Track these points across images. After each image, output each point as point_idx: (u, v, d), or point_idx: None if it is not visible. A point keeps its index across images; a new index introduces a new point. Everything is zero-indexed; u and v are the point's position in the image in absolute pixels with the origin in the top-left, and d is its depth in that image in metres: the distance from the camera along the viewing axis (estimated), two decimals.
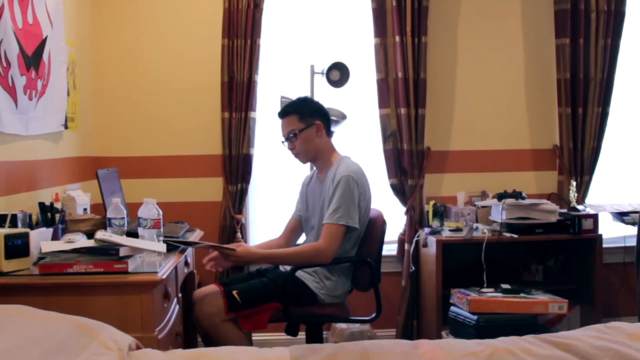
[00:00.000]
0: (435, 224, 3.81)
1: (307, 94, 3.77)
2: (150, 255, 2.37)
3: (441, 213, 3.86)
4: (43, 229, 2.40)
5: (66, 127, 3.26)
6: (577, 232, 3.72)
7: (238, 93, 3.82)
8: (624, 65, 4.13)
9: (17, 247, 2.19)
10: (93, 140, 3.86)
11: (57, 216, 2.57)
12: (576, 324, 3.88)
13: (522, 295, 3.43)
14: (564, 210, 3.85)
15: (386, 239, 3.12)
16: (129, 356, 1.78)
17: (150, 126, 3.94)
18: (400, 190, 3.98)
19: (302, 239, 3.18)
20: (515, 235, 3.65)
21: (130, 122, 3.93)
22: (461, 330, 3.40)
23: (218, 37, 3.83)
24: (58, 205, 2.74)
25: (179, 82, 3.93)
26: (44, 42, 2.90)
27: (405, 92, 3.89)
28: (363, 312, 3.14)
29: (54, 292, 2.11)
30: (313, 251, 2.84)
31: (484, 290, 3.48)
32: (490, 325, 3.27)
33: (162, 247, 2.44)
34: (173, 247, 2.63)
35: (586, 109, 4.04)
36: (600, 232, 3.77)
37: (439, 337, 3.58)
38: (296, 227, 3.16)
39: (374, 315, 3.01)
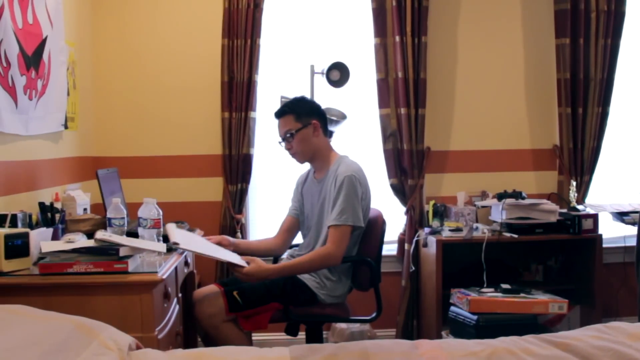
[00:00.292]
0: (435, 224, 3.81)
1: (307, 94, 3.77)
2: (150, 255, 2.38)
3: (441, 213, 3.86)
4: (43, 229, 2.40)
5: (66, 127, 3.26)
6: (577, 232, 3.72)
7: (238, 93, 3.82)
8: (624, 65, 4.13)
9: (17, 247, 2.19)
10: (93, 140, 3.86)
11: (57, 216, 2.57)
12: (576, 324, 3.88)
13: (522, 295, 3.43)
14: (564, 210, 3.85)
15: (386, 238, 3.12)
16: (129, 356, 1.78)
17: (150, 126, 3.94)
18: (400, 190, 3.98)
19: (298, 237, 3.18)
20: (515, 235, 3.65)
21: (130, 122, 3.93)
22: (461, 330, 3.40)
23: (218, 37, 3.83)
24: (58, 205, 2.73)
25: (179, 82, 3.94)
26: (44, 42, 2.90)
27: (405, 92, 3.89)
28: (363, 312, 3.14)
29: (54, 292, 2.11)
30: (324, 256, 2.82)
31: (484, 290, 3.48)
32: (490, 325, 3.27)
33: (162, 247, 2.44)
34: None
35: (586, 109, 4.05)
36: (600, 232, 3.77)
37: (439, 337, 3.58)
38: (292, 225, 3.15)
39: (374, 315, 3.01)
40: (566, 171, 4.07)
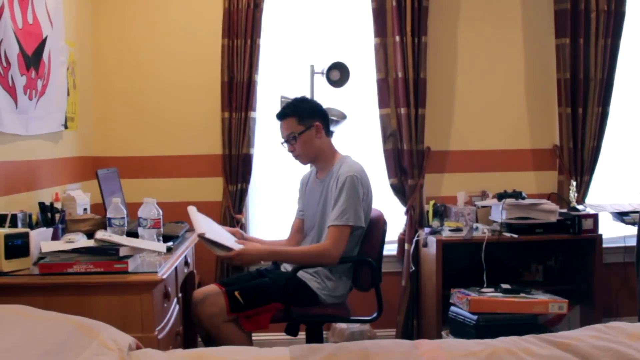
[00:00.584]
0: (435, 224, 3.81)
1: (307, 94, 3.77)
2: (150, 255, 2.38)
3: (441, 213, 3.86)
4: (43, 229, 2.40)
5: (66, 127, 3.26)
6: (577, 232, 3.72)
7: (238, 93, 3.82)
8: (624, 65, 4.13)
9: (17, 247, 2.19)
10: (93, 140, 3.86)
11: (57, 216, 2.57)
12: (576, 324, 3.88)
13: (522, 295, 3.43)
14: (564, 210, 3.85)
15: (386, 238, 3.12)
16: (129, 356, 1.78)
17: (150, 126, 3.94)
18: (400, 190, 3.98)
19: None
20: (515, 235, 3.65)
21: (130, 122, 3.93)
22: (461, 330, 3.40)
23: (218, 37, 3.83)
24: (58, 205, 2.73)
25: (179, 82, 3.93)
26: (44, 42, 2.90)
27: (405, 92, 3.89)
28: (364, 312, 3.14)
29: (54, 292, 2.11)
30: (320, 252, 2.83)
31: (484, 290, 3.48)
32: (490, 325, 3.27)
33: (162, 247, 2.44)
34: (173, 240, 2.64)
35: (586, 109, 4.04)
36: (600, 232, 3.77)
37: (439, 337, 3.58)
38: (301, 227, 3.15)
39: (374, 315, 3.01)
40: (566, 171, 4.07)
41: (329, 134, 3.05)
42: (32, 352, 1.56)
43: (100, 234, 2.25)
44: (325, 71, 3.77)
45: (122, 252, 2.18)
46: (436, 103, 4.05)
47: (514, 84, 4.16)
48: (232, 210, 3.85)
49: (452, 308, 3.52)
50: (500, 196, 3.74)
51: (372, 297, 3.01)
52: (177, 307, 2.58)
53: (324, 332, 3.67)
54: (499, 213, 3.69)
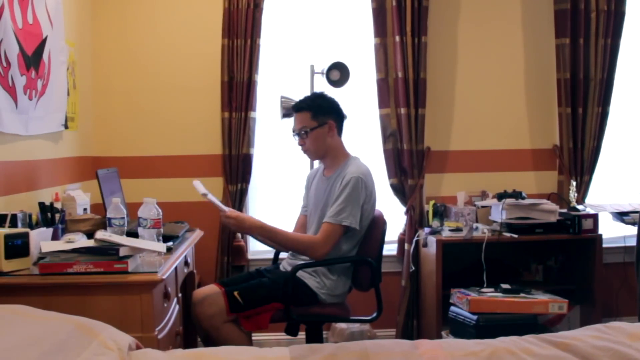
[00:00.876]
0: (435, 223, 3.81)
1: (307, 94, 3.77)
2: (150, 255, 2.37)
3: (441, 213, 3.86)
4: (43, 229, 2.40)
5: (66, 127, 3.26)
6: (577, 232, 3.72)
7: (238, 93, 3.82)
8: (624, 65, 4.13)
9: (17, 247, 2.19)
10: (93, 140, 3.86)
11: (57, 216, 2.57)
12: (576, 324, 3.88)
13: (522, 295, 3.43)
14: (564, 210, 3.85)
15: (386, 238, 3.12)
16: (129, 356, 1.78)
17: (150, 126, 3.94)
18: (400, 190, 3.98)
19: None
20: (515, 235, 3.65)
21: (130, 122, 3.93)
22: (461, 330, 3.40)
23: (218, 37, 3.83)
24: (58, 205, 2.73)
25: (178, 82, 3.93)
26: (44, 42, 2.90)
27: (405, 92, 3.89)
28: (363, 312, 3.14)
29: (54, 292, 2.11)
30: (308, 244, 2.86)
31: (484, 290, 3.48)
32: (490, 325, 3.27)
33: (162, 247, 2.44)
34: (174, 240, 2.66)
35: (586, 108, 4.04)
36: (600, 232, 3.77)
37: (439, 337, 3.58)
38: (305, 222, 3.16)
39: (374, 315, 3.01)
40: (566, 171, 4.07)
41: (341, 133, 3.05)
42: (32, 352, 1.56)
43: (100, 234, 2.25)
44: (325, 71, 3.77)
45: (122, 252, 2.18)
46: (436, 103, 4.05)
47: (514, 84, 4.16)
48: None
49: (452, 308, 3.51)
50: (500, 196, 3.74)
51: (372, 297, 3.01)
52: (177, 307, 2.58)
53: (324, 332, 3.67)
54: (499, 213, 3.69)
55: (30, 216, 2.47)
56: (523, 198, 3.72)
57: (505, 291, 3.46)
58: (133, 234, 2.50)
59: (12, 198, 2.65)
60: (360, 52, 4.05)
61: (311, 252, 2.85)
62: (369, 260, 2.94)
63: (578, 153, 4.05)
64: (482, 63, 4.13)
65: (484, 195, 4.00)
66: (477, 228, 3.72)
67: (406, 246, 3.95)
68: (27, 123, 2.78)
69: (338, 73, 3.77)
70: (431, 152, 4.04)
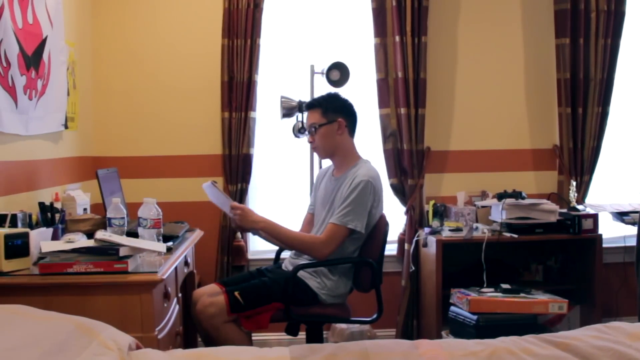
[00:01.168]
0: (435, 223, 3.81)
1: (307, 94, 3.78)
2: (150, 255, 2.37)
3: (441, 213, 3.86)
4: (43, 229, 2.40)
5: (66, 127, 3.26)
6: (577, 232, 3.72)
7: (238, 93, 3.82)
8: (624, 65, 4.13)
9: (17, 247, 2.19)
10: (93, 140, 3.86)
11: (57, 216, 2.57)
12: (576, 324, 3.89)
13: (522, 295, 3.43)
14: (564, 210, 3.85)
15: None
16: (129, 356, 1.78)
17: (150, 126, 3.94)
18: (400, 190, 3.98)
19: None
20: (515, 235, 3.65)
21: (130, 122, 3.93)
22: (461, 330, 3.40)
23: (218, 37, 3.83)
24: (58, 205, 2.73)
25: (179, 82, 3.93)
26: (44, 42, 2.90)
27: (405, 92, 3.89)
28: (364, 313, 3.14)
29: (54, 292, 2.11)
30: (312, 244, 2.86)
31: (484, 290, 3.48)
32: (490, 325, 3.27)
33: (162, 247, 2.44)
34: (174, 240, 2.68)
35: (586, 108, 4.04)
36: (600, 232, 3.77)
37: (439, 337, 3.58)
38: (312, 220, 3.16)
39: (374, 316, 3.00)
40: (566, 171, 4.07)
41: (353, 134, 3.05)
42: (32, 352, 1.56)
43: (100, 234, 2.25)
44: (325, 71, 3.77)
45: (122, 252, 2.18)
46: (436, 103, 4.05)
47: (514, 84, 4.16)
48: None
49: (452, 308, 3.52)
50: (500, 196, 3.74)
51: (373, 298, 3.01)
52: (177, 307, 2.58)
53: (324, 332, 3.67)
54: (499, 213, 3.69)
55: (30, 216, 2.47)
56: (523, 198, 3.72)
57: (505, 291, 3.46)
58: (133, 234, 2.50)
59: (12, 198, 2.65)
60: (360, 52, 4.05)
61: (314, 251, 2.85)
62: (369, 261, 2.94)
63: (578, 153, 4.05)
64: (482, 63, 4.13)
65: (484, 195, 4.00)
66: (477, 228, 3.72)
67: (406, 246, 3.95)
68: (27, 123, 2.78)
69: (338, 73, 3.77)
70: (431, 152, 4.04)
